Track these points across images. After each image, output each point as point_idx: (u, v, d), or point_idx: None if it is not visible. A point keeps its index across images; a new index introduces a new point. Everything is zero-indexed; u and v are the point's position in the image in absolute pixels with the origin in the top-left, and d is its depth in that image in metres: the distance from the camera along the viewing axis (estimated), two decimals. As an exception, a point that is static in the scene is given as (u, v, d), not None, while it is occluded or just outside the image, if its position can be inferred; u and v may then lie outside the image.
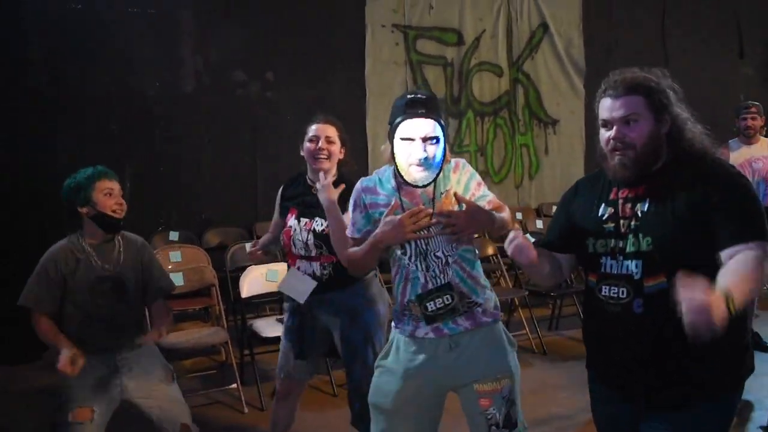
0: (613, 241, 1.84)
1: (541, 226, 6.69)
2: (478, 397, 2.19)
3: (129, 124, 5.61)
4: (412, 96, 2.15)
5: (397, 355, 2.26)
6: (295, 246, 2.87)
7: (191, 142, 5.84)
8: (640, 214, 1.80)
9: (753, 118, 4.94)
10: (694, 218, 1.71)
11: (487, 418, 2.19)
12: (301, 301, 2.85)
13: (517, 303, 5.18)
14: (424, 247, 2.18)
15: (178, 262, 4.60)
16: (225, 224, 5.93)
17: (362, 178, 2.36)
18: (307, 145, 2.88)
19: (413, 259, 2.19)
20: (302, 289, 2.85)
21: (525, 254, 1.88)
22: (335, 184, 2.70)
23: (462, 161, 2.29)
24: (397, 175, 2.17)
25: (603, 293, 1.84)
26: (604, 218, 1.88)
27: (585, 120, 7.74)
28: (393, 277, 2.27)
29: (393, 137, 2.13)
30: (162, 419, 2.74)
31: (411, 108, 2.12)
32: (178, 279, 4.22)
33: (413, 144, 2.10)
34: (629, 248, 1.80)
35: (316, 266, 2.85)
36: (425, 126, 2.10)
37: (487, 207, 2.22)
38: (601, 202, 1.91)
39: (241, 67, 6.06)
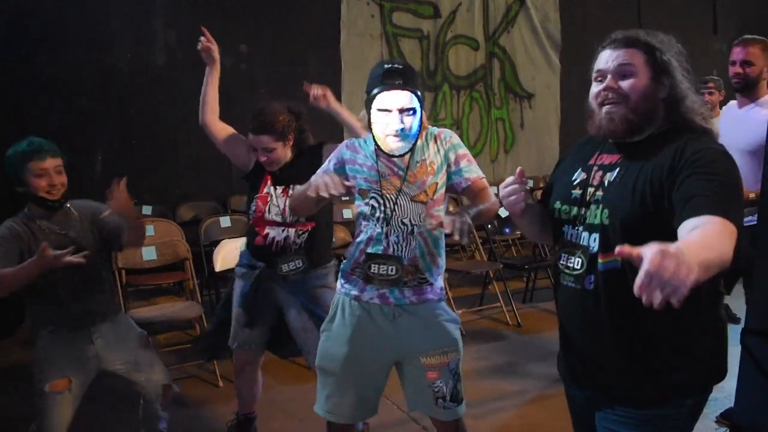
0: (575, 208, 1.73)
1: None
2: (425, 370, 2.22)
3: (100, 98, 5.52)
4: (389, 66, 2.14)
5: (342, 318, 2.28)
6: (269, 211, 2.88)
7: (164, 116, 5.76)
8: (606, 184, 1.68)
9: (710, 93, 5.02)
10: (658, 193, 1.56)
11: (434, 390, 2.23)
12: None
13: (491, 276, 5.21)
14: (392, 210, 2.18)
15: (151, 236, 4.54)
16: (199, 198, 5.89)
17: (348, 138, 2.40)
18: (252, 151, 2.93)
19: (379, 221, 2.20)
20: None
21: (510, 204, 1.76)
22: (298, 164, 2.83)
23: (446, 132, 2.29)
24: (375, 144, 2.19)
25: (561, 261, 1.73)
26: (574, 183, 1.77)
27: (560, 94, 7.77)
28: (356, 233, 2.28)
29: (370, 107, 2.14)
30: (143, 383, 2.75)
31: (388, 79, 2.12)
32: (150, 253, 4.20)
33: (390, 115, 2.11)
34: (589, 219, 1.68)
35: (291, 232, 2.86)
36: (402, 97, 2.11)
37: (464, 184, 2.22)
38: (580, 165, 1.80)
39: (214, 39, 5.95)
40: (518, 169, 1.75)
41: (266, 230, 2.90)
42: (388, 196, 2.20)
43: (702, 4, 8.86)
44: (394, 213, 2.19)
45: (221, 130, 3.04)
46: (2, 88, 5.03)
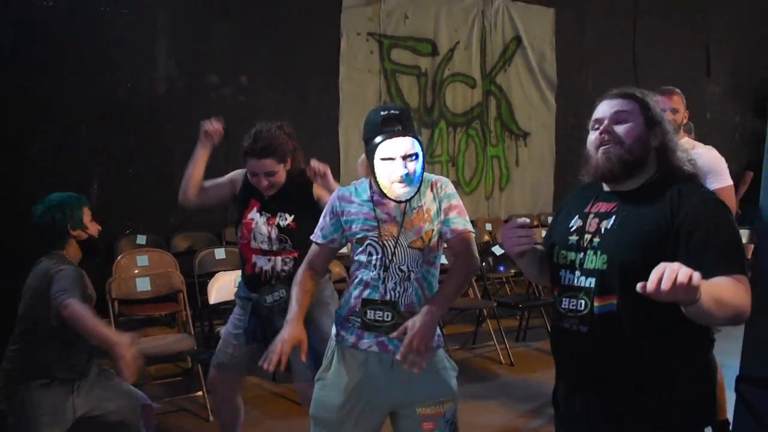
0: (573, 254, 1.80)
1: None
2: (420, 420, 2.19)
3: (99, 125, 5.51)
4: (386, 113, 2.12)
5: (338, 367, 2.24)
6: (255, 239, 2.86)
7: (162, 146, 5.76)
8: (603, 231, 1.75)
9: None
10: (657, 242, 1.63)
11: None
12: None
13: (485, 314, 5.21)
14: (390, 256, 2.18)
15: (145, 267, 4.55)
16: (194, 229, 5.87)
17: (339, 187, 2.38)
18: (250, 176, 2.89)
19: (378, 267, 2.18)
20: None
21: (510, 246, 1.84)
22: (287, 192, 2.85)
23: (443, 180, 2.29)
24: (377, 190, 2.18)
25: (563, 306, 1.78)
26: (571, 230, 1.84)
27: (556, 133, 7.86)
28: (352, 281, 2.25)
29: (373, 157, 2.12)
30: (122, 413, 2.74)
31: (387, 126, 2.11)
32: (144, 284, 4.18)
33: (394, 163, 2.10)
34: (587, 264, 1.75)
35: (277, 261, 2.84)
36: (404, 144, 2.10)
37: (449, 234, 2.22)
38: (577, 212, 1.87)
39: (215, 70, 6.02)
40: (524, 220, 1.84)
41: (253, 259, 2.88)
42: (386, 242, 2.18)
43: (695, 47, 9.02)
44: (392, 259, 2.17)
45: (201, 199, 3.03)
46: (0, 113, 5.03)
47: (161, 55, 5.82)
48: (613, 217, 1.75)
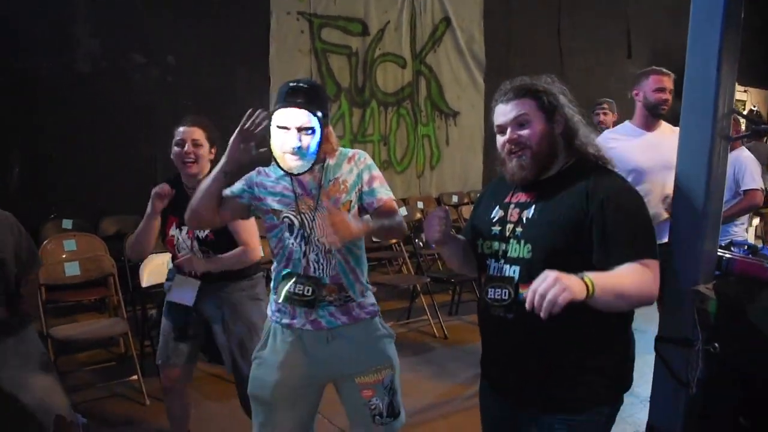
0: (497, 243, 1.86)
1: (442, 216, 6.86)
2: (360, 388, 2.25)
3: (18, 106, 5.29)
4: (294, 84, 2.14)
5: (274, 346, 2.27)
6: (179, 252, 2.87)
7: (86, 127, 5.58)
8: (524, 220, 1.81)
9: (605, 114, 5.32)
10: (575, 228, 1.72)
11: (370, 408, 2.25)
12: (190, 304, 2.87)
13: (419, 289, 5.31)
14: (308, 230, 2.19)
15: (73, 251, 4.42)
16: (122, 212, 5.73)
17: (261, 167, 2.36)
18: (175, 149, 2.87)
19: (297, 239, 2.20)
20: (189, 293, 2.88)
21: (428, 231, 1.93)
22: None
23: (360, 153, 2.30)
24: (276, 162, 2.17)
25: (489, 296, 1.81)
26: (493, 220, 1.90)
27: (484, 113, 7.99)
28: (275, 259, 2.27)
29: (269, 123, 2.13)
30: (36, 410, 2.57)
31: (291, 96, 2.12)
32: (73, 269, 4.08)
33: (288, 133, 2.10)
34: (510, 253, 1.81)
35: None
36: (300, 116, 2.09)
37: (375, 204, 2.22)
38: (497, 203, 1.93)
39: (140, 50, 5.86)
40: (442, 208, 1.95)
41: (171, 231, 2.88)
42: (305, 215, 2.20)
43: (617, 30, 9.33)
44: (312, 231, 2.19)
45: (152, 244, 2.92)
46: None
47: (83, 35, 5.61)
48: (533, 206, 1.82)
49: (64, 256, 4.30)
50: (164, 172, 5.68)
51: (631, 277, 1.63)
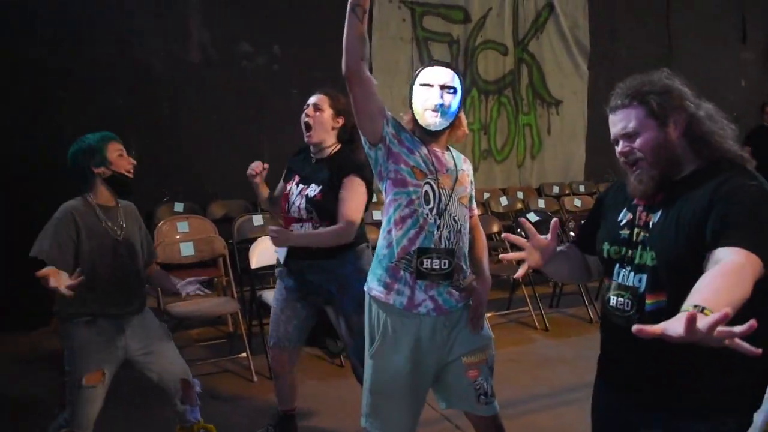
0: (624, 249, 1.75)
1: (543, 206, 6.75)
2: (466, 368, 2.25)
3: (134, 96, 5.58)
4: (438, 59, 2.26)
5: (393, 338, 2.23)
6: (290, 209, 2.92)
7: (197, 115, 5.83)
8: (650, 225, 1.69)
9: None
10: (698, 233, 1.55)
11: (476, 388, 2.26)
12: (281, 259, 2.95)
13: (520, 280, 5.23)
14: (445, 205, 2.21)
15: (186, 233, 4.62)
16: (229, 197, 5.95)
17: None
18: (304, 112, 2.94)
19: (434, 211, 2.20)
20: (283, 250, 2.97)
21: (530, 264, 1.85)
22: (322, 166, 2.88)
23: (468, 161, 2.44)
24: (415, 122, 2.24)
25: (611, 304, 1.74)
26: (621, 223, 1.78)
27: (588, 102, 7.78)
28: (401, 225, 2.20)
29: (413, 85, 2.22)
30: (163, 375, 2.80)
31: (435, 63, 2.27)
32: (188, 249, 4.26)
33: (431, 90, 2.19)
34: (637, 260, 1.70)
35: (308, 226, 2.88)
36: (445, 74, 2.21)
37: (473, 212, 2.40)
38: (625, 205, 1.81)
39: (247, 40, 6.04)
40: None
41: (292, 227, 2.93)
42: (444, 190, 2.22)
43: (731, 14, 8.83)
44: (447, 209, 2.21)
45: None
46: (35, 87, 5.10)
47: (194, 26, 5.84)
48: (660, 211, 1.69)
49: (178, 237, 4.50)
50: (269, 159, 5.85)
51: (732, 279, 1.39)
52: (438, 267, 2.19)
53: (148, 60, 5.68)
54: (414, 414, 2.32)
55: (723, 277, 1.39)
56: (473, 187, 2.40)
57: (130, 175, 2.70)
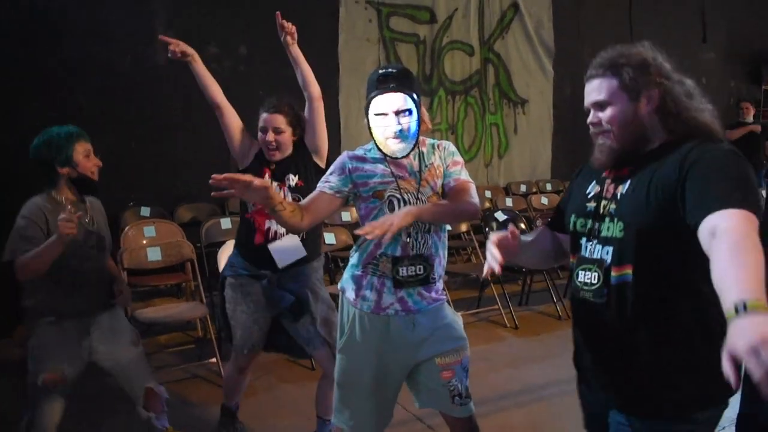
0: (591, 221, 1.72)
1: (511, 204, 6.81)
2: (440, 370, 2.26)
3: (99, 97, 5.48)
4: (383, 71, 2.21)
5: (360, 335, 2.27)
6: None
7: (163, 117, 5.75)
8: (618, 197, 1.66)
9: None
10: (668, 202, 1.53)
11: (450, 389, 2.26)
12: (281, 266, 2.91)
13: (489, 279, 5.26)
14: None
15: (153, 237, 4.56)
16: (197, 200, 5.88)
17: (347, 151, 2.36)
18: (259, 134, 2.97)
19: None
20: (289, 256, 2.92)
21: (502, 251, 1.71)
22: (289, 158, 2.94)
23: (446, 142, 2.38)
24: (378, 148, 2.23)
25: (578, 279, 1.72)
26: (589, 196, 1.76)
27: (553, 101, 7.87)
28: (362, 243, 2.25)
29: (368, 112, 2.20)
30: (127, 381, 2.75)
31: (382, 83, 2.18)
32: (155, 254, 4.20)
33: (387, 118, 2.17)
34: (603, 232, 1.67)
35: None
36: (396, 100, 2.16)
37: (451, 183, 2.29)
38: (594, 177, 1.79)
39: (214, 41, 5.98)
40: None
41: (266, 224, 2.91)
42: (409, 194, 2.23)
43: (691, 13, 9.02)
44: None
45: (233, 113, 3.08)
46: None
47: (160, 26, 5.76)
48: (628, 181, 1.66)
49: (144, 242, 4.45)
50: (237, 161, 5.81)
51: (749, 252, 1.29)
52: (414, 273, 2.22)
53: (113, 61, 5.58)
54: (381, 410, 2.33)
55: (739, 255, 1.29)
56: (450, 162, 2.30)
57: (94, 177, 2.65)
